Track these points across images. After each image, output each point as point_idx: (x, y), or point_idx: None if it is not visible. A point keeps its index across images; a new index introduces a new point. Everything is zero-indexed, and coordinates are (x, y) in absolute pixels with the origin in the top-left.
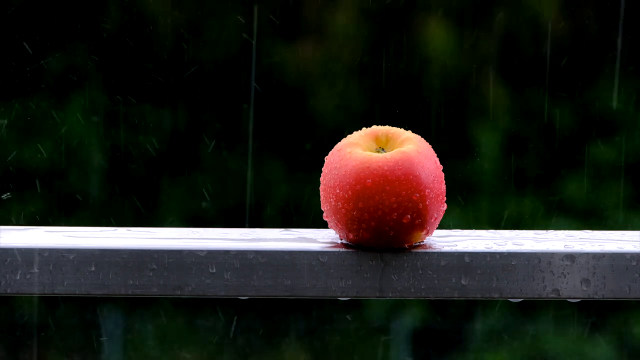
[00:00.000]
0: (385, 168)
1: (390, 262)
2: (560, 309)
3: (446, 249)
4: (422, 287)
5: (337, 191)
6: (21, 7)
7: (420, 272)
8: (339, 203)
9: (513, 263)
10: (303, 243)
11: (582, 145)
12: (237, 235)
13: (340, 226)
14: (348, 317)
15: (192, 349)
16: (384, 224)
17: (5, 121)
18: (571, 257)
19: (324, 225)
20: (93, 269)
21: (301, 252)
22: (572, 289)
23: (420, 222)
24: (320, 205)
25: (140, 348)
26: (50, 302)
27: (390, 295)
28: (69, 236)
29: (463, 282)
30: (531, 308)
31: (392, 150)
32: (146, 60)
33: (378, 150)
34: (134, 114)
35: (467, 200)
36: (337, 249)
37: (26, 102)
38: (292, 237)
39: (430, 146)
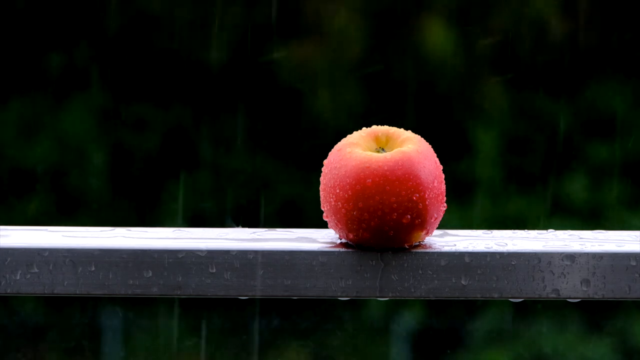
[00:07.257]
0: (386, 168)
1: (390, 262)
2: (560, 309)
3: (446, 249)
4: (422, 287)
5: (337, 191)
6: (22, 6)
7: (420, 272)
8: (339, 203)
9: (513, 263)
10: (303, 243)
11: (582, 144)
12: (237, 235)
13: (340, 226)
14: (348, 317)
15: (192, 348)
16: (384, 224)
17: (6, 120)
18: (571, 257)
19: (324, 225)
20: (93, 269)
21: (301, 252)
22: (572, 289)
23: (420, 222)
24: (320, 205)
25: (140, 348)
26: (50, 302)
27: (390, 295)
28: (69, 236)
29: (463, 282)
30: (531, 308)
31: (392, 150)
32: (146, 60)
33: (378, 150)
34: (134, 114)
35: (467, 201)
36: (337, 249)
37: (27, 101)
38: (292, 237)
39: (430, 146)
